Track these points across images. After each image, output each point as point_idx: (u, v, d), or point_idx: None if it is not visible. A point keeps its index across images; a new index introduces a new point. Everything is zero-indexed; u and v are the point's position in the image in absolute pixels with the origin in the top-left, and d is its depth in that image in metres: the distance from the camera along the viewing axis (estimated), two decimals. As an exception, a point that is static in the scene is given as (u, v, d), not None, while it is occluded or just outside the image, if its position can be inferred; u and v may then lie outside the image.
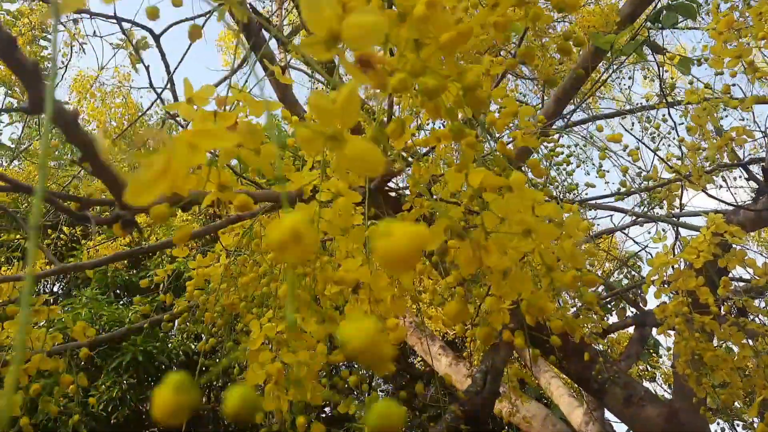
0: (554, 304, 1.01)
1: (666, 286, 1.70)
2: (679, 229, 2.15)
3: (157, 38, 2.87)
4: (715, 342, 1.74)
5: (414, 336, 3.90)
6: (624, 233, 5.23)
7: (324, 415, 5.93)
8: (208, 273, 1.33)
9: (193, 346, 5.18)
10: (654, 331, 3.73)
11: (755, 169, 2.44)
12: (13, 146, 5.77)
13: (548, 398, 4.41)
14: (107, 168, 0.58)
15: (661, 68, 2.44)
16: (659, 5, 2.34)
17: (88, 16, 3.78)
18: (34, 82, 0.52)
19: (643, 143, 1.84)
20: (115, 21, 3.36)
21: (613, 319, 4.49)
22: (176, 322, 1.37)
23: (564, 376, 4.33)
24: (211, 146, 0.35)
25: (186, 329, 1.43)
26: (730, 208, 2.12)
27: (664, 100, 2.38)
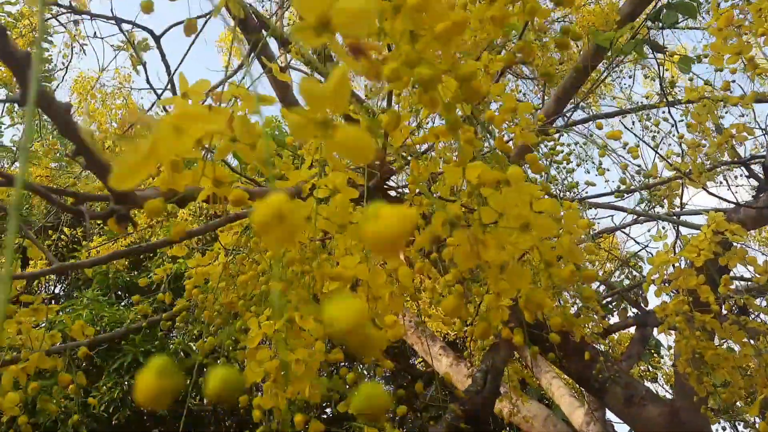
0: (553, 302, 1.01)
1: (667, 284, 1.69)
2: (680, 227, 2.15)
3: (157, 39, 2.87)
4: (716, 341, 1.74)
5: (414, 336, 3.90)
6: (625, 233, 5.22)
7: (325, 416, 5.93)
8: (207, 272, 1.33)
9: (193, 347, 5.18)
10: (655, 331, 3.73)
11: (756, 168, 2.43)
12: (14, 148, 5.77)
13: (549, 399, 4.40)
14: (101, 162, 0.58)
15: (661, 67, 2.44)
16: (659, 4, 2.33)
17: (89, 17, 3.78)
18: (25, 72, 0.52)
19: (644, 141, 1.83)
20: (115, 22, 3.36)
21: (614, 319, 4.49)
22: (176, 320, 1.36)
23: (565, 376, 4.33)
24: (197, 130, 0.35)
25: (186, 329, 1.42)
26: (731, 205, 2.11)
27: (664, 99, 2.37)
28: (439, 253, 1.10)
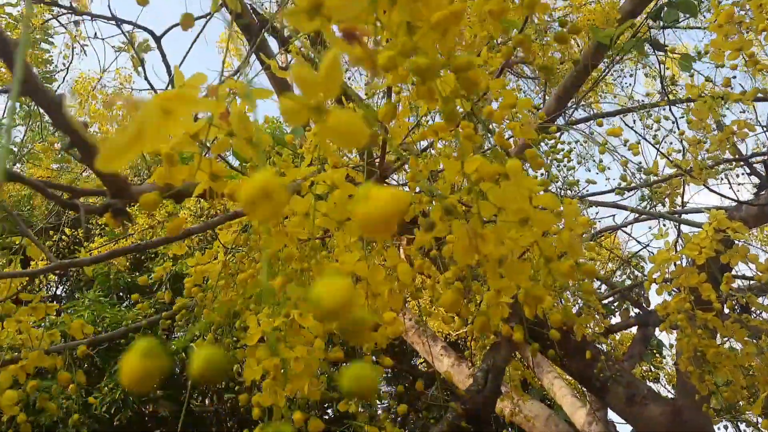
0: (554, 300, 1.01)
1: (668, 283, 1.69)
2: (681, 225, 2.14)
3: (158, 40, 2.87)
4: (718, 340, 1.73)
5: (416, 336, 3.90)
6: (626, 232, 5.22)
7: (327, 416, 5.92)
8: (207, 270, 1.33)
9: (195, 347, 5.18)
10: (657, 330, 3.72)
11: (758, 166, 2.43)
12: (16, 149, 5.77)
13: (551, 399, 4.40)
14: (95, 153, 0.57)
15: (662, 65, 2.43)
16: (660, 2, 2.33)
17: (89, 18, 3.78)
18: (13, 57, 0.52)
19: (645, 139, 1.83)
20: (116, 23, 3.36)
21: (616, 320, 4.48)
22: (175, 319, 1.36)
23: (567, 376, 4.32)
24: (185, 111, 0.34)
25: (187, 329, 1.42)
26: (733, 203, 2.11)
27: (665, 98, 2.36)
28: (439, 251, 1.09)
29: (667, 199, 2.45)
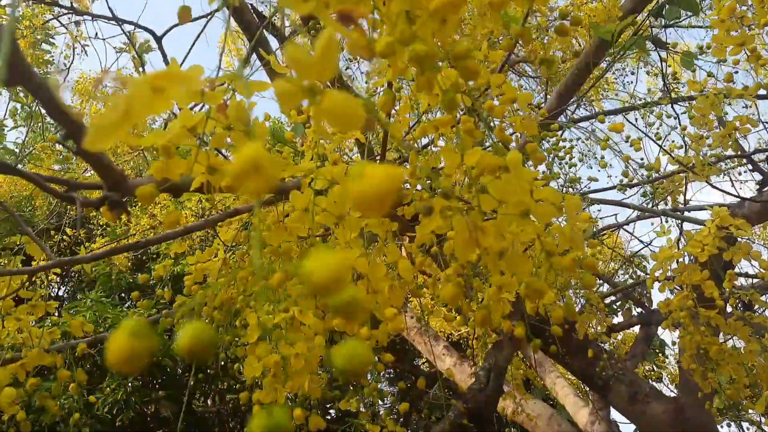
0: (556, 297, 1.00)
1: (671, 280, 1.68)
2: (684, 223, 2.13)
3: (159, 40, 2.87)
4: (721, 338, 1.72)
5: (418, 336, 3.89)
6: (628, 231, 5.21)
7: (329, 416, 5.92)
8: (207, 268, 1.32)
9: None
10: (660, 329, 3.72)
11: (762, 165, 2.42)
12: (17, 150, 5.78)
13: (554, 399, 4.39)
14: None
15: (664, 63, 2.43)
16: (662, 0, 2.32)
17: (90, 18, 3.79)
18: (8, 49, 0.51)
19: (647, 135, 1.82)
20: (116, 23, 3.36)
21: (618, 319, 4.48)
22: (175, 317, 1.35)
23: (569, 376, 4.31)
24: (176, 90, 0.34)
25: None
26: (735, 200, 2.10)
27: (668, 96, 2.36)
28: (440, 248, 1.09)
29: (669, 197, 2.45)
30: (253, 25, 2.48)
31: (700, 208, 2.24)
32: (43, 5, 3.84)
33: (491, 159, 0.61)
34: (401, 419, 6.36)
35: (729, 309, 1.80)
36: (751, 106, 1.99)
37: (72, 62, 4.39)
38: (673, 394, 2.30)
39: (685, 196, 2.39)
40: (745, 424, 5.35)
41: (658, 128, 1.94)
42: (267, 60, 0.97)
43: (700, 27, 4.58)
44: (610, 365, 2.17)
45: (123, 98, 0.29)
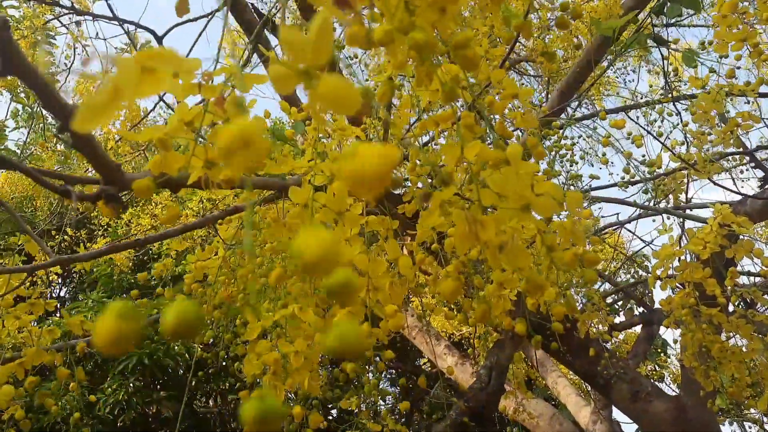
0: (557, 294, 0.99)
1: (672, 278, 1.67)
2: (685, 221, 2.12)
3: (159, 40, 2.87)
4: (723, 336, 1.71)
5: (420, 336, 3.89)
6: (630, 230, 5.20)
7: (331, 417, 5.92)
8: (207, 266, 1.32)
9: (199, 348, 5.18)
10: (662, 329, 3.71)
11: (765, 163, 2.41)
12: (18, 151, 5.78)
13: (556, 398, 4.39)
14: (89, 139, 0.56)
15: (665, 61, 2.42)
16: (663, -2, 2.31)
17: (91, 18, 3.78)
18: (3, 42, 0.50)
19: (649, 132, 1.81)
20: (117, 23, 3.36)
21: (620, 319, 4.47)
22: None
23: (571, 375, 4.30)
24: (166, 71, 0.33)
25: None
26: (737, 198, 2.09)
27: (669, 95, 2.35)
28: (441, 245, 1.08)
29: (671, 196, 2.44)
30: (253, 25, 2.47)
31: (702, 206, 2.24)
32: (43, 5, 3.83)
33: (491, 152, 0.60)
34: (403, 419, 6.35)
35: (731, 308, 1.79)
36: (752, 104, 1.98)
37: (73, 62, 4.39)
38: (675, 394, 2.29)
39: (686, 194, 2.39)
40: (746, 424, 5.34)
41: (659, 126, 1.93)
42: (267, 57, 0.96)
43: (702, 26, 4.57)
44: (611, 364, 2.16)
45: (112, 78, 0.29)
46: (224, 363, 1.70)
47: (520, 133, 2.33)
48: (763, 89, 1.56)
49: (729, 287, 1.66)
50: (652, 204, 2.38)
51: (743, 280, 2.95)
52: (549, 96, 3.03)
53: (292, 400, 1.30)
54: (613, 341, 4.30)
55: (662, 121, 1.86)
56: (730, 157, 2.72)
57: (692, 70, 1.98)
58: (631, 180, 1.96)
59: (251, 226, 0.97)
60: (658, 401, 2.13)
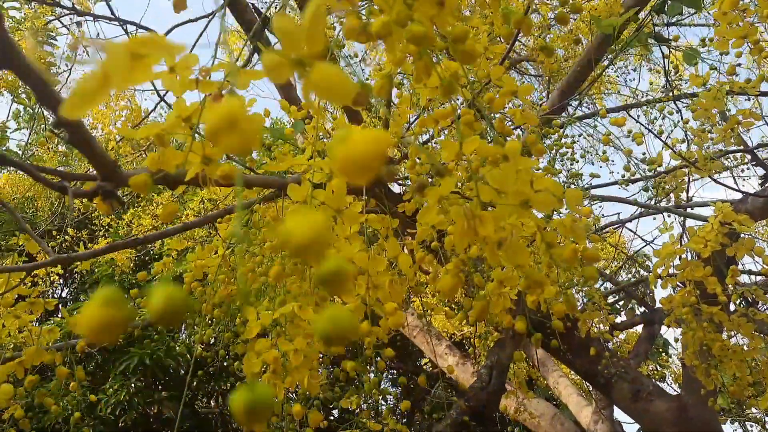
0: (556, 289, 0.99)
1: (673, 277, 1.67)
2: (686, 220, 2.12)
3: (160, 39, 2.86)
4: (724, 335, 1.71)
5: (421, 337, 3.89)
6: (631, 230, 5.20)
7: (332, 417, 5.91)
8: (206, 265, 1.31)
9: (201, 349, 5.17)
10: (663, 328, 3.70)
11: (766, 161, 2.41)
12: (20, 152, 5.79)
13: (557, 398, 4.38)
14: (84, 135, 0.56)
15: (666, 60, 2.42)
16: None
17: (92, 18, 3.78)
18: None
19: (650, 130, 1.81)
20: (118, 24, 3.36)
21: (621, 319, 4.47)
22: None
23: (572, 375, 4.30)
24: (156, 57, 0.33)
25: (193, 331, 1.41)
26: (738, 196, 2.09)
27: (670, 93, 2.35)
28: (440, 244, 1.08)
29: (672, 195, 2.44)
30: (254, 25, 2.47)
31: (703, 205, 2.23)
32: (44, 6, 3.84)
33: (490, 147, 0.60)
34: (404, 420, 6.35)
35: (732, 306, 1.79)
36: (753, 102, 1.97)
37: (74, 62, 4.39)
38: (676, 393, 2.29)
39: (687, 193, 2.38)
40: (748, 423, 5.33)
41: (660, 124, 1.93)
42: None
43: (703, 25, 4.57)
44: (612, 363, 2.16)
45: (101, 64, 0.28)
46: (225, 363, 1.70)
47: (520, 132, 2.33)
48: (764, 87, 1.56)
49: (730, 286, 1.65)
50: (653, 203, 2.37)
51: (744, 278, 2.94)
52: (550, 95, 3.03)
53: (292, 399, 1.30)
54: (614, 341, 4.30)
55: (663, 119, 1.86)
56: (731, 156, 2.72)
57: (693, 68, 1.98)
58: (632, 178, 1.96)
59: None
60: (660, 401, 2.13)
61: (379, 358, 1.26)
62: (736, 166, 3.42)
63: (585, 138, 4.75)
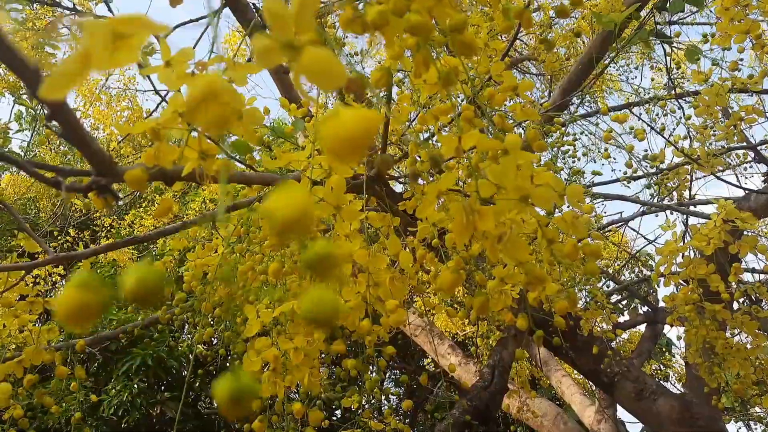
0: (558, 287, 0.98)
1: (676, 274, 1.66)
2: (689, 218, 2.11)
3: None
4: (727, 333, 1.70)
5: (423, 336, 3.88)
6: (633, 229, 5.18)
7: (335, 417, 5.91)
8: (206, 263, 1.31)
9: (202, 348, 5.17)
10: (666, 327, 3.70)
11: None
12: (22, 153, 5.79)
13: (560, 398, 4.38)
14: (79, 128, 0.56)
15: (668, 58, 2.40)
16: (666, -6, 2.30)
17: (92, 19, 3.78)
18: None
19: (652, 128, 1.80)
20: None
21: (624, 319, 4.46)
22: (174, 312, 1.34)
23: (575, 375, 4.29)
24: (139, 38, 0.32)
25: (194, 332, 1.40)
26: (741, 193, 2.08)
27: (673, 92, 2.34)
28: (441, 242, 1.07)
29: (674, 193, 2.43)
30: (251, 18, 2.46)
31: (706, 202, 2.22)
32: (45, 6, 3.84)
33: (489, 141, 0.59)
34: (407, 419, 6.34)
35: (735, 304, 1.78)
36: (756, 99, 1.96)
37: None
38: (679, 392, 2.28)
39: (690, 191, 2.37)
40: (752, 422, 5.31)
41: (662, 121, 1.92)
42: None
43: (705, 24, 4.55)
44: (615, 362, 2.15)
45: (81, 44, 0.28)
46: (227, 364, 1.69)
47: (521, 131, 2.33)
48: (766, 83, 1.55)
49: (733, 283, 1.64)
50: (655, 200, 2.36)
51: (747, 276, 2.93)
52: (551, 94, 3.02)
53: (293, 399, 1.29)
54: (617, 340, 4.29)
55: (665, 117, 1.85)
56: (733, 154, 2.71)
57: (695, 65, 1.97)
58: (634, 175, 1.95)
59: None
60: (663, 399, 2.12)
61: (380, 357, 1.25)
62: (739, 164, 3.41)
63: (587, 136, 4.74)
